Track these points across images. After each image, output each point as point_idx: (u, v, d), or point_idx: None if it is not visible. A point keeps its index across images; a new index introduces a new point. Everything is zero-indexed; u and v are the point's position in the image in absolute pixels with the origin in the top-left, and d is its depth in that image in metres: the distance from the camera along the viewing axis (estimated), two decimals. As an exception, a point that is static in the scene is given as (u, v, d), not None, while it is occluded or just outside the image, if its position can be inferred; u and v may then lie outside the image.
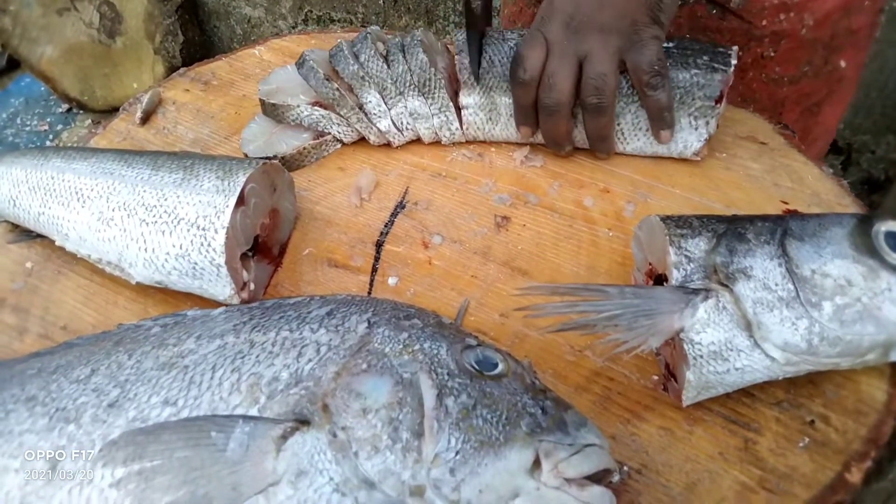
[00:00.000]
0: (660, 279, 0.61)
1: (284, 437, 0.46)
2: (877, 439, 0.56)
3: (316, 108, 0.81)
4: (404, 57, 0.80)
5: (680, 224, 0.59)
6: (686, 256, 0.57)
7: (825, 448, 0.56)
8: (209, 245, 0.62)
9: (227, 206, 0.63)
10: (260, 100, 0.83)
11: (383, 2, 1.91)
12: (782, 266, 0.55)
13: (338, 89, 0.80)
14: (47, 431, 0.50)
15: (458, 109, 0.81)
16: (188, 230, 0.63)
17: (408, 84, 0.80)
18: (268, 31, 2.19)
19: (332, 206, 0.78)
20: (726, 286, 0.55)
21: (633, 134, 0.77)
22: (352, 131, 0.82)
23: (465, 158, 0.82)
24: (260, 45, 0.96)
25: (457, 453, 0.45)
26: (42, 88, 2.41)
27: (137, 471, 0.46)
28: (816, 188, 0.75)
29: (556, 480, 0.45)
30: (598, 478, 0.47)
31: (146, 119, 0.88)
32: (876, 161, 1.76)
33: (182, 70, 0.94)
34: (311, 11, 2.04)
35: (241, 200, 0.64)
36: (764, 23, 0.87)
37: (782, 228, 0.58)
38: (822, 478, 0.54)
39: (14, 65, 2.49)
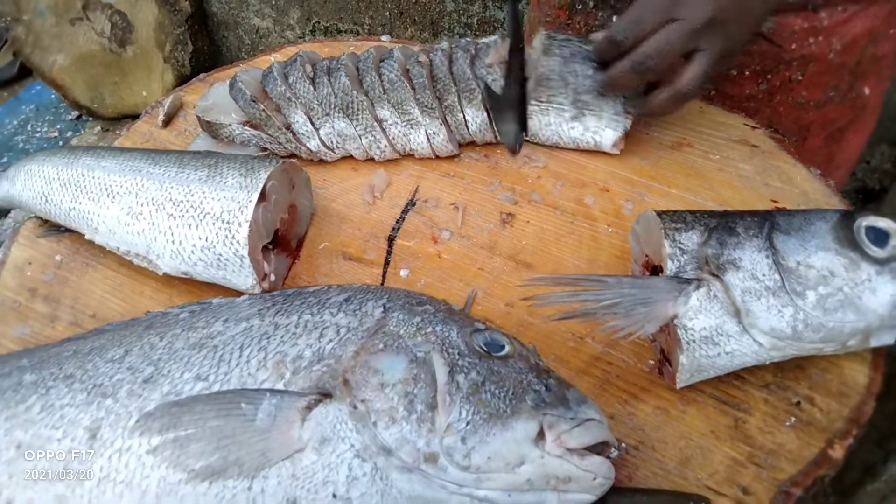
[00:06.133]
0: (655, 270, 0.65)
1: (309, 409, 0.50)
2: (858, 419, 0.60)
3: (247, 127, 0.83)
4: (329, 79, 0.82)
5: (674, 219, 0.63)
6: (680, 248, 0.61)
7: (810, 427, 0.59)
8: (233, 237, 0.66)
9: (251, 201, 0.67)
10: (196, 116, 0.85)
11: (389, 13, 1.96)
12: (769, 258, 0.59)
13: (264, 110, 0.81)
14: (86, 405, 0.54)
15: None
16: (213, 223, 0.67)
17: (332, 106, 0.82)
18: (275, 42, 2.24)
19: (346, 203, 0.82)
20: (717, 276, 0.59)
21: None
22: (283, 148, 0.84)
23: (472, 160, 0.86)
24: (275, 52, 1.01)
25: (467, 424, 0.49)
26: (53, 96, 2.45)
27: (173, 439, 0.50)
28: (805, 188, 0.79)
29: (558, 450, 0.49)
30: (597, 451, 0.51)
31: (168, 122, 0.92)
32: (871, 171, 1.80)
33: (202, 76, 0.99)
34: (319, 22, 2.09)
35: (262, 196, 0.68)
36: (793, 46, 0.90)
37: (770, 223, 0.62)
38: (807, 454, 0.58)
39: (26, 72, 2.53)
